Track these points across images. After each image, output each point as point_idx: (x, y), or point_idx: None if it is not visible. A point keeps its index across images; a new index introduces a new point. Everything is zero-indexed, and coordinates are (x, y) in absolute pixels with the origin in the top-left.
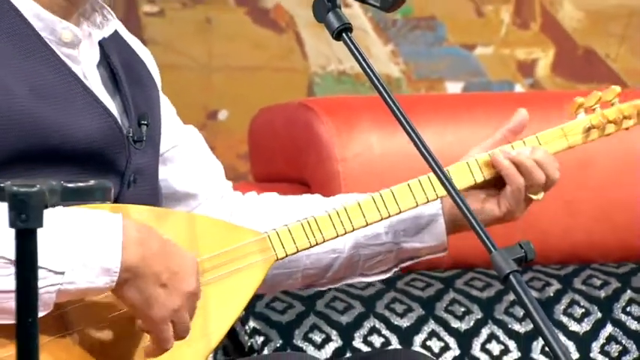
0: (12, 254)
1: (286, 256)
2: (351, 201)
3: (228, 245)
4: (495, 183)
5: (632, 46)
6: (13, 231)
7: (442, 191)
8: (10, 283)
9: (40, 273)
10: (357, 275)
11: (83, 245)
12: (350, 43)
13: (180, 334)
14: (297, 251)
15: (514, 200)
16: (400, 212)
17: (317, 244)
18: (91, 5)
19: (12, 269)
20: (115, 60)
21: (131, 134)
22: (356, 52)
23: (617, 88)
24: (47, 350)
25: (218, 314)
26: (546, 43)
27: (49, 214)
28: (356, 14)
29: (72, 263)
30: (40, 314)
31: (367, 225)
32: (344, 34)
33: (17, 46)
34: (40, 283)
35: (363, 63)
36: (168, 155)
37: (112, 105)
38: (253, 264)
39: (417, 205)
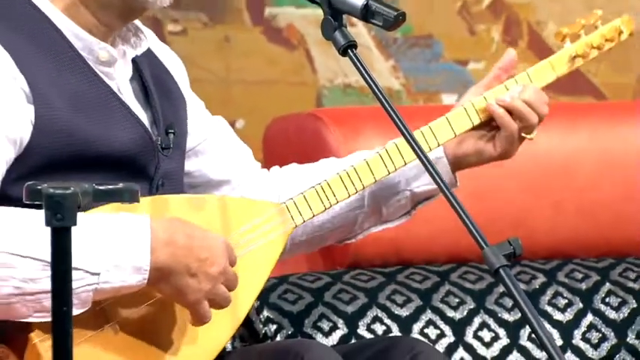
0: (46, 255)
1: (303, 222)
2: (359, 160)
3: (254, 219)
4: (491, 123)
5: (611, 62)
6: (48, 235)
7: (442, 139)
8: (49, 284)
9: (78, 274)
10: (381, 223)
11: (115, 247)
12: (355, 59)
13: (221, 305)
14: (313, 216)
15: (508, 141)
16: (405, 164)
17: (331, 206)
18: (127, 27)
19: (48, 270)
20: (147, 75)
21: (160, 142)
22: (360, 67)
23: (599, 12)
24: (91, 345)
25: (246, 285)
26: (533, 59)
27: (84, 219)
28: (360, 33)
29: (106, 265)
30: (80, 311)
31: (376, 181)
32: (349, 51)
33: (58, 63)
34: (78, 284)
35: (366, 77)
36: (199, 148)
37: (143, 116)
38: (275, 235)
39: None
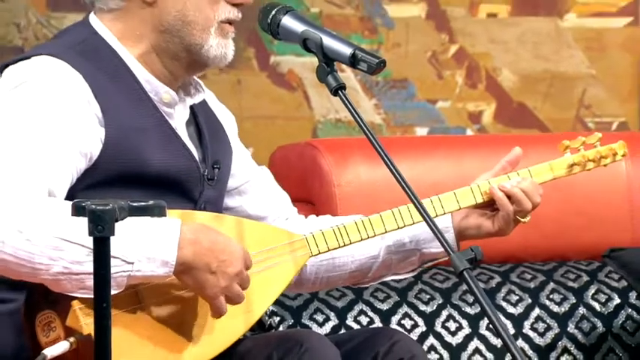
0: (90, 243)
1: (319, 253)
2: (374, 215)
3: (272, 244)
4: (493, 205)
5: (553, 101)
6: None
7: (448, 209)
8: (92, 267)
9: (116, 262)
10: (391, 274)
11: (149, 242)
12: (344, 99)
13: (235, 301)
14: (328, 250)
15: (505, 221)
16: (413, 223)
17: (345, 245)
18: (189, 80)
19: (91, 256)
20: (201, 121)
21: (206, 174)
22: (349, 105)
23: (599, 134)
24: (122, 319)
25: (260, 296)
26: (489, 99)
27: (131, 220)
28: (348, 76)
29: (140, 256)
30: (116, 292)
31: (386, 232)
32: (339, 92)
33: (129, 98)
34: (115, 269)
35: (354, 113)
36: (242, 188)
37: (194, 151)
38: (291, 259)
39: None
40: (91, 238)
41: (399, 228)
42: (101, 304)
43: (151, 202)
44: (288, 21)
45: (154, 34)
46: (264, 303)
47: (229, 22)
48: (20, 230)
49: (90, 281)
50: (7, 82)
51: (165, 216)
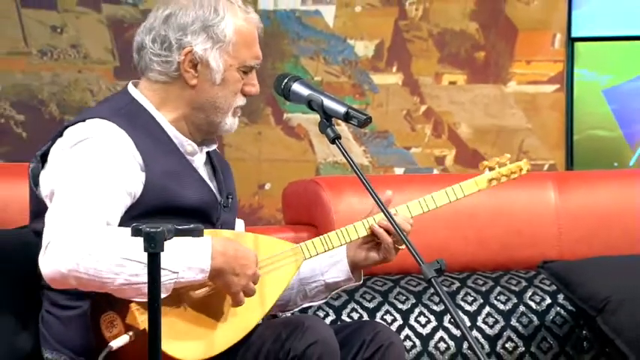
0: (144, 259)
1: (310, 257)
2: (348, 225)
3: (277, 251)
4: (376, 238)
5: (499, 148)
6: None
7: (350, 239)
8: (147, 278)
9: (164, 272)
10: (307, 301)
11: (188, 256)
12: (340, 146)
13: (250, 295)
14: (317, 254)
15: (387, 250)
16: (352, 240)
17: (329, 249)
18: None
19: (146, 270)
20: (215, 161)
21: (222, 203)
22: (344, 151)
23: (508, 155)
24: (171, 315)
25: (270, 292)
26: (451, 146)
27: (173, 241)
28: (343, 129)
29: (182, 267)
30: (164, 295)
31: (358, 237)
32: (336, 141)
33: (163, 151)
34: (164, 278)
35: (347, 157)
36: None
37: (212, 185)
38: (290, 263)
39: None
40: (145, 255)
41: (367, 235)
42: (153, 304)
43: (192, 226)
44: (297, 87)
45: (187, 108)
46: (273, 297)
47: (241, 106)
48: (90, 253)
49: (145, 289)
50: (69, 140)
51: (202, 236)
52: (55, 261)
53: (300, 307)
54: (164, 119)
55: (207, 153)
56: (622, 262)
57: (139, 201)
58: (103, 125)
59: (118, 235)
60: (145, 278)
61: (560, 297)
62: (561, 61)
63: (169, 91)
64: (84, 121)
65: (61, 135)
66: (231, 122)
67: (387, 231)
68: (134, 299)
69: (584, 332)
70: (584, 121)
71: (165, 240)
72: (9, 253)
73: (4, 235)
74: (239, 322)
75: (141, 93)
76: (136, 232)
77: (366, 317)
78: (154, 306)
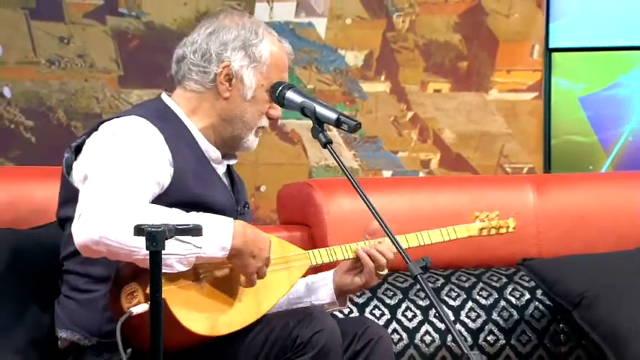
0: (179, 225)
1: (316, 264)
2: (352, 243)
3: (288, 253)
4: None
5: (481, 152)
6: (174, 219)
7: (337, 258)
8: (174, 250)
9: (188, 246)
10: None
11: (212, 233)
12: (332, 151)
13: (262, 277)
14: (323, 263)
15: (369, 275)
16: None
17: (333, 261)
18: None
19: (171, 242)
20: (233, 174)
21: (239, 209)
22: (335, 155)
23: (497, 212)
24: (189, 289)
25: (278, 288)
26: (435, 151)
27: (200, 215)
28: (334, 134)
29: (205, 242)
30: (186, 268)
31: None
32: (328, 145)
33: (191, 153)
34: (188, 251)
35: (338, 161)
36: None
37: (232, 194)
38: (298, 266)
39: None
40: (177, 222)
41: (344, 259)
42: (155, 296)
43: (191, 225)
44: (291, 95)
45: (216, 119)
46: (281, 292)
47: (263, 127)
48: (120, 222)
49: (169, 260)
50: (106, 132)
51: (201, 236)
52: (87, 228)
53: None
54: (194, 126)
55: (228, 167)
56: (597, 260)
57: (166, 192)
58: (137, 121)
59: (147, 208)
60: (169, 249)
61: (539, 292)
62: (539, 71)
63: (202, 100)
64: (119, 117)
65: (96, 129)
66: (252, 140)
67: (369, 256)
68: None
69: (561, 326)
70: (561, 127)
71: (167, 239)
72: (22, 252)
73: (18, 235)
74: (250, 307)
75: (174, 101)
76: (138, 231)
77: (356, 312)
78: (155, 297)
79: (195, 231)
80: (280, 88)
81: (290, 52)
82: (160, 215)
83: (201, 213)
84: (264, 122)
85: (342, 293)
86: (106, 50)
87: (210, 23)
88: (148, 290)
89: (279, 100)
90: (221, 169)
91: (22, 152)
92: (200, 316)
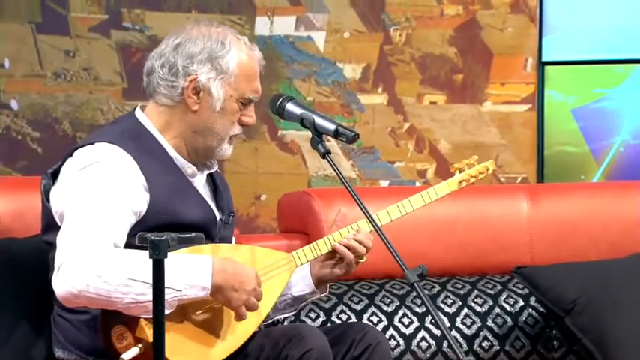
0: (150, 279)
1: (302, 264)
2: (334, 233)
3: (272, 261)
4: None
5: (477, 163)
6: (150, 266)
7: (318, 253)
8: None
9: (168, 290)
10: (279, 313)
11: (191, 275)
12: (330, 161)
13: (252, 310)
14: (307, 261)
15: (348, 265)
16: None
17: (318, 256)
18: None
19: (151, 289)
20: (217, 182)
21: (223, 219)
22: (333, 165)
23: (475, 157)
24: (175, 329)
25: (265, 300)
26: (431, 161)
27: (175, 257)
28: (333, 145)
29: (184, 285)
30: (169, 311)
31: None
32: (327, 156)
33: (166, 172)
34: (168, 296)
35: (336, 171)
36: None
37: (212, 204)
38: (283, 271)
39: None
40: (147, 273)
41: (328, 250)
42: (158, 306)
43: (193, 234)
44: (290, 106)
45: (187, 132)
46: (269, 304)
47: (237, 135)
48: (99, 275)
49: (151, 306)
50: (78, 163)
51: (203, 243)
52: (66, 282)
53: (270, 320)
54: (166, 142)
55: (209, 175)
56: (588, 267)
57: (143, 219)
58: (110, 149)
59: (125, 257)
60: (151, 297)
61: (532, 299)
62: (533, 83)
63: (173, 115)
64: (92, 144)
65: (71, 155)
66: (225, 149)
67: (348, 247)
68: (142, 316)
69: (553, 332)
70: (554, 138)
71: (169, 248)
72: (23, 261)
73: (20, 244)
74: (237, 330)
75: (147, 117)
76: (142, 240)
77: (354, 318)
78: (158, 309)
79: (198, 239)
80: (280, 101)
81: (260, 58)
82: (135, 266)
83: (179, 254)
84: (237, 130)
85: (321, 282)
86: (110, 63)
87: (177, 35)
88: (137, 332)
89: (279, 111)
90: (200, 180)
91: (29, 163)
92: (191, 351)
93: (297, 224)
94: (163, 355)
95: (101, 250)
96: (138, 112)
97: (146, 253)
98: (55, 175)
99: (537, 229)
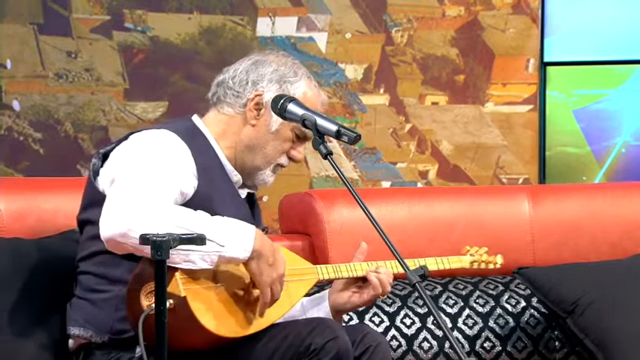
0: (194, 229)
1: (323, 280)
2: (355, 262)
3: (299, 266)
4: (359, 282)
5: (478, 163)
6: (196, 220)
7: (343, 275)
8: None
9: (211, 244)
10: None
11: (235, 234)
12: (332, 162)
13: (276, 295)
14: (329, 278)
15: (369, 297)
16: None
17: (337, 278)
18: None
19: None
20: (254, 202)
21: None
22: (335, 166)
23: (485, 248)
24: (206, 292)
25: (289, 298)
26: (433, 162)
27: (223, 219)
28: (334, 146)
29: (229, 242)
30: (208, 267)
31: (359, 275)
32: (328, 157)
33: (214, 171)
34: (210, 249)
35: (338, 172)
36: None
37: (252, 218)
38: (306, 279)
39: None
40: (194, 225)
41: (350, 277)
42: (159, 306)
43: (195, 234)
44: (292, 107)
45: (240, 145)
46: (291, 302)
47: (282, 165)
48: (144, 217)
49: (192, 255)
50: (137, 141)
51: (205, 244)
52: (114, 222)
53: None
54: (219, 148)
55: (249, 195)
56: (590, 268)
57: (186, 204)
58: (166, 133)
59: (174, 207)
60: (192, 246)
61: (534, 300)
62: (534, 84)
63: (230, 124)
64: (148, 130)
65: (126, 139)
66: (268, 174)
67: (380, 282)
68: (180, 265)
69: (555, 333)
70: (556, 139)
71: (172, 248)
72: (29, 262)
73: (26, 245)
74: (266, 315)
75: (204, 123)
76: (144, 240)
77: (356, 319)
78: (159, 308)
79: (199, 240)
80: (282, 101)
81: (325, 101)
82: (183, 215)
83: (225, 217)
84: (284, 160)
85: (337, 313)
86: (112, 64)
87: (255, 56)
88: (170, 288)
89: (281, 112)
90: (242, 193)
91: (31, 164)
92: (217, 316)
93: (298, 225)
94: (164, 355)
95: (149, 198)
96: (195, 118)
97: (193, 211)
98: (105, 157)
99: (539, 230)
